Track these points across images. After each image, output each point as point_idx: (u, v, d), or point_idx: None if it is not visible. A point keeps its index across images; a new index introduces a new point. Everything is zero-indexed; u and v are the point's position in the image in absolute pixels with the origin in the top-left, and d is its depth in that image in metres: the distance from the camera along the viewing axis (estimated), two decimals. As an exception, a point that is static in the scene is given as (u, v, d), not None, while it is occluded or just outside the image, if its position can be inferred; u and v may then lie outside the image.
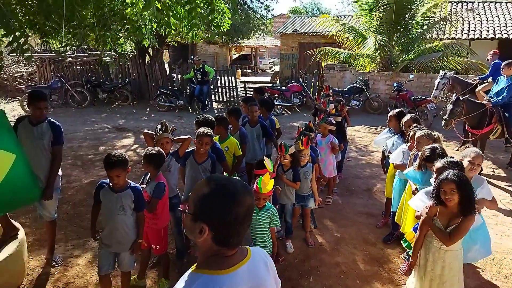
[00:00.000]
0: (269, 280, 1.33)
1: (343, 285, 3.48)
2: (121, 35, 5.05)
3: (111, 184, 2.85)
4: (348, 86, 11.89)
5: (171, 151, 3.64)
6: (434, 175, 2.84)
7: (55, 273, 3.61)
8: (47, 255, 3.77)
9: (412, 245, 2.90)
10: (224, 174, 3.98)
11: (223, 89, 13.31)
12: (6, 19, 3.32)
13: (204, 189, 1.19)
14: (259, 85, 15.46)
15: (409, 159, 3.68)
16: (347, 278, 3.57)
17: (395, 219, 3.88)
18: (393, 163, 4.01)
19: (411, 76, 11.21)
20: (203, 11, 4.78)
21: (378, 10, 12.03)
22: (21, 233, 3.42)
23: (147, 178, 3.16)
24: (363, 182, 6.13)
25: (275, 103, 11.63)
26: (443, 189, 2.49)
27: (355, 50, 13.18)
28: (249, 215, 1.22)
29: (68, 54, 17.07)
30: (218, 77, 13.21)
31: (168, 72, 13.75)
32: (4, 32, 3.48)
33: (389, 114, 4.63)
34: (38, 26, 4.45)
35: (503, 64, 6.45)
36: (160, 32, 5.64)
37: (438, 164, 2.84)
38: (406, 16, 12.27)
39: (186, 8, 4.55)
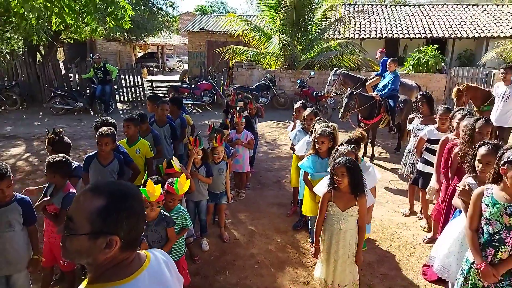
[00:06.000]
0: (172, 280, 1.31)
1: (258, 274, 3.59)
2: (6, 30, 4.41)
3: None
4: (256, 84, 12.27)
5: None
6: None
7: None
8: None
9: None
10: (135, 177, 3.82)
11: (129, 89, 12.65)
12: None
13: (94, 202, 1.10)
14: (167, 84, 15.08)
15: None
16: (261, 268, 3.70)
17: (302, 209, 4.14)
18: (298, 155, 4.26)
19: (312, 73, 12.06)
20: (102, 5, 4.45)
21: (280, 10, 12.62)
22: None
23: (50, 190, 2.87)
24: (273, 174, 6.40)
25: (185, 101, 11.48)
26: (335, 172, 2.75)
27: (261, 48, 13.64)
28: (144, 208, 1.23)
29: None
30: (123, 76, 12.52)
31: (63, 71, 12.56)
32: None
33: (296, 106, 5.06)
34: None
35: (388, 61, 7.30)
36: (54, 27, 5.07)
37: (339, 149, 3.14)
38: (306, 17, 13.11)
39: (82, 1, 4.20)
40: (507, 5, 18.23)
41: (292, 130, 5.02)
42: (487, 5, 18.19)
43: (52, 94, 11.12)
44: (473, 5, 18.28)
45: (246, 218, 4.77)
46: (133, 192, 1.17)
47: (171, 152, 4.75)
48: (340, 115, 6.79)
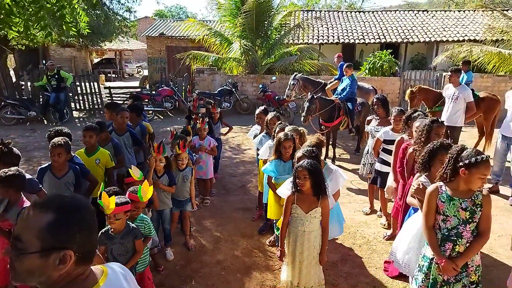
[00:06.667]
0: None
1: (224, 281, 3.57)
2: None
3: None
4: (219, 89, 12.23)
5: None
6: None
7: None
8: None
9: None
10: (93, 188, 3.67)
11: (85, 96, 12.19)
12: None
13: (42, 217, 1.05)
14: (127, 90, 14.68)
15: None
16: (228, 274, 3.68)
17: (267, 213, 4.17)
18: (262, 159, 4.29)
19: (274, 78, 12.21)
20: (53, 9, 4.26)
21: (240, 16, 12.68)
22: None
23: (3, 206, 2.70)
24: (238, 179, 6.40)
25: (146, 108, 11.23)
26: (298, 175, 2.80)
27: (223, 54, 13.64)
28: (95, 219, 1.19)
29: None
30: (78, 83, 12.05)
31: (14, 79, 11.87)
32: None
33: (256, 112, 5.13)
34: None
35: (344, 66, 7.55)
36: (9, 36, 4.77)
37: (299, 154, 3.17)
38: (266, 22, 13.27)
39: (33, 7, 3.98)
40: (453, 11, 19.50)
41: (259, 134, 5.03)
42: (436, 11, 19.35)
43: (3, 103, 10.51)
44: (423, 11, 19.38)
45: (211, 225, 4.73)
46: (82, 204, 1.14)
47: (133, 161, 4.62)
48: (302, 119, 6.93)
